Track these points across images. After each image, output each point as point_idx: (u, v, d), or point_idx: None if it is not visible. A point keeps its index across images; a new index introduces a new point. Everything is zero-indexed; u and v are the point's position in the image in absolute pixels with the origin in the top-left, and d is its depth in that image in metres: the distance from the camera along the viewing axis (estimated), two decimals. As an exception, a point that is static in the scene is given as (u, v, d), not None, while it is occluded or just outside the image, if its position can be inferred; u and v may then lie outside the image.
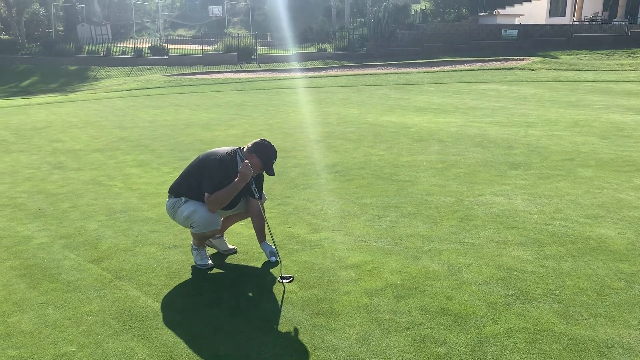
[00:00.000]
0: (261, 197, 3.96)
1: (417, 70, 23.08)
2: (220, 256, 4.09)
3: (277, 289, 3.54)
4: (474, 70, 21.95)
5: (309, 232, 4.54)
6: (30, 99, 20.07)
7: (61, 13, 42.89)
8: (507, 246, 4.13)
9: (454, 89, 16.41)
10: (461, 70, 22.07)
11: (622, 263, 3.76)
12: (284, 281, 3.63)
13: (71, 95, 19.97)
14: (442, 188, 5.74)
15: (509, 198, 5.33)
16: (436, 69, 23.14)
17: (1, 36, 37.60)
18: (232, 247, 4.21)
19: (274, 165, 3.89)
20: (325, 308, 3.28)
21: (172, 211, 3.86)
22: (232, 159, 3.79)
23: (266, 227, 3.89)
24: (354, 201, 5.37)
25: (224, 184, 3.67)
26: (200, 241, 3.89)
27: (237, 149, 3.86)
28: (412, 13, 34.15)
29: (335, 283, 3.60)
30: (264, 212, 3.92)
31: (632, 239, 4.18)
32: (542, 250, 4.03)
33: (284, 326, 3.10)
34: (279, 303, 3.36)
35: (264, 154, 3.79)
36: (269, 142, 3.84)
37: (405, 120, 10.44)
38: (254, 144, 3.82)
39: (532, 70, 20.82)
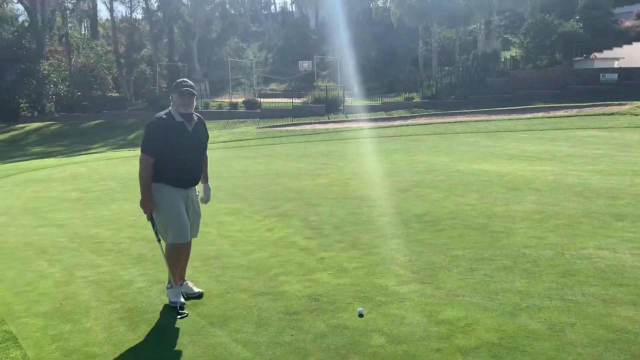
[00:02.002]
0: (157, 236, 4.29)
1: (509, 117, 22.45)
2: (308, 305, 4.07)
3: (365, 343, 3.45)
4: (570, 116, 21.00)
5: (397, 284, 4.43)
6: (136, 150, 21.64)
7: (165, 72, 46.46)
8: (615, 305, 3.79)
9: (550, 135, 15.75)
10: (556, 117, 21.19)
11: None
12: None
13: (171, 147, 21.33)
14: (540, 240, 5.43)
15: (616, 252, 4.93)
16: (529, 115, 22.39)
17: (113, 94, 41.27)
18: (198, 290, 4.41)
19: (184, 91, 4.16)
20: (415, 365, 3.15)
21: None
22: (167, 116, 4.15)
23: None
24: (445, 252, 5.20)
25: (156, 142, 4.07)
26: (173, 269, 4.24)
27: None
28: (502, 60, 33.57)
29: (426, 339, 3.46)
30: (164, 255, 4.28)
31: None
32: (657, 311, 3.65)
33: (372, 382, 3.00)
34: (368, 357, 3.26)
35: (174, 87, 4.20)
36: (178, 79, 4.33)
37: (497, 168, 10.10)
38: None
39: (636, 115, 19.56)
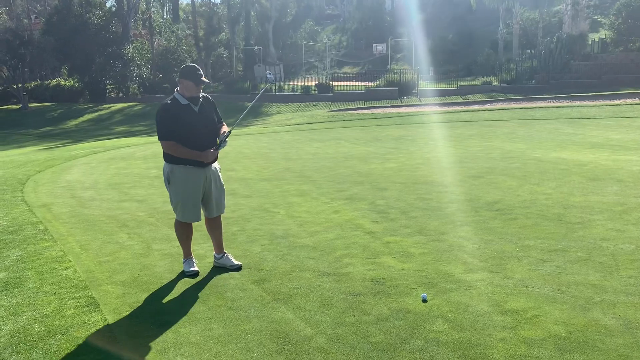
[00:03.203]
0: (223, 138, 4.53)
1: (594, 103, 21.21)
2: (372, 287, 4.10)
3: (427, 328, 3.44)
4: (663, 103, 19.54)
5: (463, 272, 4.37)
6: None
7: (241, 55, 47.50)
8: (701, 305, 3.55)
9: (638, 124, 14.75)
10: (647, 103, 19.78)
11: None
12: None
13: (245, 129, 21.86)
14: (620, 233, 5.15)
15: None
16: (617, 101, 21.04)
17: (192, 76, 42.73)
18: (237, 262, 4.67)
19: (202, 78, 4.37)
20: (477, 353, 3.11)
21: (166, 182, 4.51)
22: (172, 101, 4.34)
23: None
24: (516, 242, 5.04)
25: (169, 126, 4.25)
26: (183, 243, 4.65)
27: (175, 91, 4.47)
28: (589, 43, 31.62)
29: (491, 328, 3.39)
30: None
31: None
32: None
33: (432, 367, 2.99)
34: (429, 342, 3.26)
35: (189, 74, 4.30)
36: (187, 65, 4.41)
37: (578, 156, 9.62)
38: (179, 74, 4.40)
39: None
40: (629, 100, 21.02)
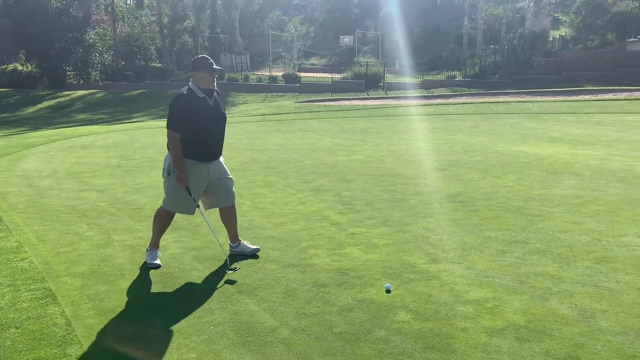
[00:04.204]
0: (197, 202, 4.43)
1: (554, 98, 21.76)
2: (336, 278, 4.11)
3: (390, 318, 3.47)
4: (619, 100, 20.20)
5: (426, 262, 4.42)
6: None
7: (207, 43, 46.77)
8: (652, 295, 3.69)
9: (596, 119, 15.21)
10: (604, 100, 20.41)
11: None
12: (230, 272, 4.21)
13: (210, 119, 21.58)
14: (577, 225, 5.30)
15: (657, 241, 4.76)
16: (576, 97, 21.64)
17: (155, 64, 41.88)
18: (254, 247, 4.70)
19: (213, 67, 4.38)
20: (440, 343, 3.15)
21: (165, 173, 4.41)
22: (189, 92, 4.29)
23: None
24: (477, 233, 5.13)
25: (180, 117, 4.21)
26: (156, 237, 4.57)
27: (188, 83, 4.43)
28: (550, 39, 32.38)
29: (453, 318, 3.45)
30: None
31: None
32: (696, 303, 3.53)
33: (396, 357, 3.02)
34: (392, 332, 3.28)
35: (201, 65, 4.29)
36: (199, 56, 4.42)
37: (538, 150, 9.85)
38: (191, 66, 4.40)
39: (691, 100, 18.66)
40: (587, 97, 21.65)
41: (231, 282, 4.09)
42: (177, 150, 4.26)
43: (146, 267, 4.45)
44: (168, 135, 4.30)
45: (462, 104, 22.17)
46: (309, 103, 26.21)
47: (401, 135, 13.11)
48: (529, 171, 7.99)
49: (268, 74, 35.78)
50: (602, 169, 8.02)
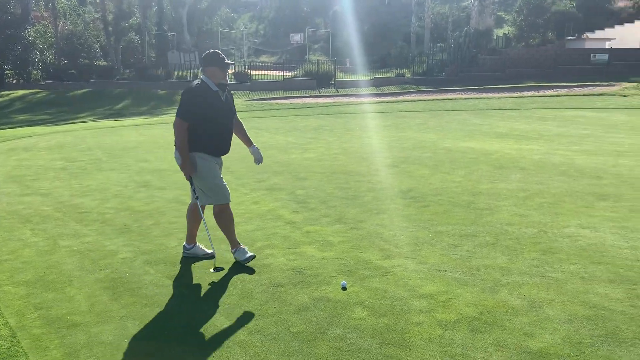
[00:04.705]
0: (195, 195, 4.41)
1: (499, 95, 22.46)
2: (292, 277, 4.11)
3: (347, 315, 3.49)
4: (560, 96, 21.05)
5: (380, 259, 4.47)
6: (122, 120, 21.42)
7: (154, 41, 45.69)
8: (594, 282, 3.87)
9: (538, 115, 15.80)
10: (546, 96, 21.23)
11: None
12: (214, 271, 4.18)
13: (159, 118, 21.10)
14: (523, 218, 5.49)
15: (597, 231, 5.00)
16: (519, 94, 22.41)
17: (100, 62, 40.60)
18: (209, 251, 4.58)
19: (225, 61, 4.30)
20: (395, 338, 3.20)
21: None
22: (202, 84, 4.24)
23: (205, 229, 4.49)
24: (429, 228, 5.24)
25: (191, 108, 4.15)
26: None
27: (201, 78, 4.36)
28: (495, 38, 33.39)
29: (407, 312, 3.50)
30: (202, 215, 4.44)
31: None
32: (633, 289, 3.73)
33: (353, 354, 3.04)
34: (349, 329, 3.31)
35: (213, 60, 4.23)
36: (210, 51, 4.32)
37: (485, 146, 10.14)
38: (202, 62, 4.34)
39: (625, 96, 19.66)
40: (530, 93, 22.46)
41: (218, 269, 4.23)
42: (183, 139, 4.18)
43: (97, 272, 4.31)
44: (175, 124, 4.19)
45: (412, 101, 22.56)
46: (260, 101, 26.04)
47: (353, 132, 13.22)
48: (477, 166, 8.21)
49: (218, 72, 35.28)
50: (546, 163, 8.34)
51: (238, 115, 4.70)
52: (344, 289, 3.89)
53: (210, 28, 50.47)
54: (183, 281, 4.12)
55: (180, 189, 7.29)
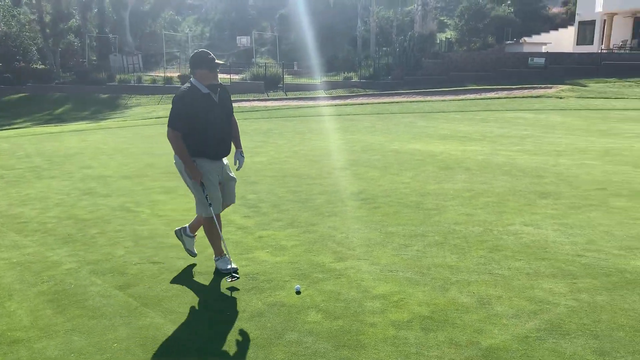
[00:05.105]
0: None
1: (443, 98, 23.04)
2: (246, 284, 4.06)
3: (301, 320, 3.49)
4: (500, 98, 21.82)
5: (334, 261, 4.49)
6: (63, 126, 20.62)
7: (95, 43, 44.27)
8: (538, 278, 4.02)
9: (481, 117, 16.31)
10: (488, 99, 21.95)
11: (660, 298, 3.61)
12: (231, 279, 4.01)
13: (102, 123, 20.46)
14: (469, 217, 5.64)
15: (539, 228, 5.20)
16: (462, 97, 23.07)
17: (38, 65, 38.93)
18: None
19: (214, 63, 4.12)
20: (350, 340, 3.21)
21: (184, 175, 4.29)
22: (191, 89, 4.08)
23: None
24: (380, 229, 5.31)
25: (181, 115, 4.00)
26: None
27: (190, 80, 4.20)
28: (438, 42, 34.27)
29: (361, 314, 3.53)
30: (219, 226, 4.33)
31: (671, 273, 4.02)
32: (575, 283, 3.90)
33: (309, 358, 3.04)
34: (304, 334, 3.30)
35: (201, 62, 4.08)
36: (197, 51, 4.16)
37: (431, 148, 10.38)
38: (190, 64, 4.19)
39: (561, 98, 20.59)
40: (472, 96, 23.16)
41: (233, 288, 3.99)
42: (180, 149, 4.04)
43: (39, 285, 4.11)
44: (168, 135, 4.06)
45: (360, 104, 22.83)
46: (207, 105, 25.66)
47: (303, 135, 13.24)
48: (424, 168, 8.39)
49: (163, 75, 34.57)
50: (489, 163, 8.61)
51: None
52: (298, 293, 3.88)
53: (154, 30, 49.42)
54: (132, 291, 3.99)
55: (125, 196, 7.09)
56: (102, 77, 34.01)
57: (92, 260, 4.65)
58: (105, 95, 31.43)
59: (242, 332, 3.35)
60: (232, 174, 4.46)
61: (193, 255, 4.57)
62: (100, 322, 3.52)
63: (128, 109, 26.82)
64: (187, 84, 4.14)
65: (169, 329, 3.41)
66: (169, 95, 29.94)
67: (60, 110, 28.90)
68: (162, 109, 25.12)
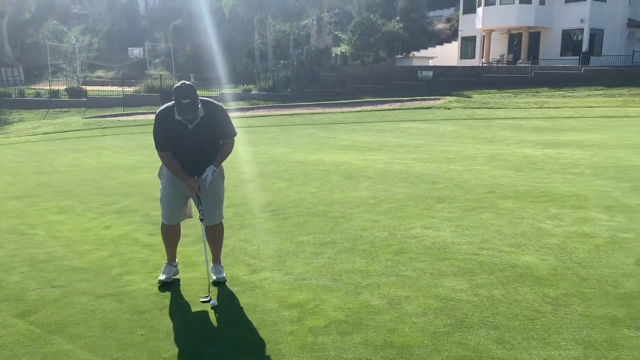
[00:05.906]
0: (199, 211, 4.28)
1: (342, 110, 23.74)
2: (157, 302, 3.95)
3: (220, 334, 3.47)
4: (394, 109, 22.87)
5: (247, 274, 4.50)
6: None
7: (-33, 54, 40.64)
8: (441, 277, 4.29)
9: (378, 127, 17.01)
10: (383, 110, 22.93)
11: (547, 288, 4.01)
12: (204, 300, 3.89)
13: (-20, 140, 18.78)
14: (375, 223, 5.89)
15: (438, 230, 5.55)
16: (359, 108, 23.91)
17: None
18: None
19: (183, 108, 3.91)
20: (270, 350, 3.25)
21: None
22: (169, 109, 4.05)
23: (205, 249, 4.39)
24: (291, 239, 5.39)
25: (160, 136, 4.07)
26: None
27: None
28: (334, 56, 35.29)
29: (279, 323, 3.58)
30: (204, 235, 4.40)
31: (554, 265, 4.47)
32: (473, 279, 4.22)
33: (230, 371, 3.03)
34: (223, 348, 3.29)
35: (173, 97, 3.94)
36: (179, 85, 3.94)
37: (334, 158, 10.67)
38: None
39: (449, 109, 22.00)
40: (369, 107, 24.08)
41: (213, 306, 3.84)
42: (171, 166, 4.13)
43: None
44: (158, 155, 4.17)
45: (261, 116, 22.90)
46: (99, 118, 24.48)
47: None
48: (329, 177, 8.62)
49: (48, 88, 32.43)
50: (389, 171, 9.03)
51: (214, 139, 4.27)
52: (213, 307, 3.85)
53: (37, 41, 46.32)
54: (32, 318, 3.74)
55: (16, 218, 6.60)
56: (-23, 91, 31.27)
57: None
58: None
59: (159, 352, 3.26)
60: (213, 192, 4.36)
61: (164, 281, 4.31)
62: (0, 353, 3.27)
63: (9, 124, 24.86)
64: (170, 102, 4.04)
65: (79, 354, 3.24)
66: (56, 110, 28.18)
67: None
68: (50, 124, 23.58)
